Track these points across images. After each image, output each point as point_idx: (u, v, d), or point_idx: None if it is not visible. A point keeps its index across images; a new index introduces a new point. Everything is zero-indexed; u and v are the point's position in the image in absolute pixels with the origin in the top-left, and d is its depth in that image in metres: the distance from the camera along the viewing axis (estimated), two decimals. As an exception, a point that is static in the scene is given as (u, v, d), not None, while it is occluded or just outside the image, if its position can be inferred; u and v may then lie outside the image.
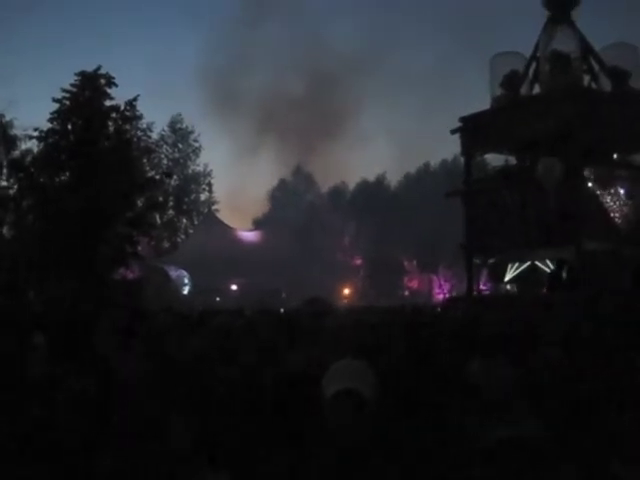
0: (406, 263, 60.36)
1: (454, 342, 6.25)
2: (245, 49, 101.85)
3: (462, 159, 21.26)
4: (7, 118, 28.58)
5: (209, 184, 63.84)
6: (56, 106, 26.04)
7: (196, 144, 63.46)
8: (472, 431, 3.19)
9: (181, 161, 62.69)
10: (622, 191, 17.43)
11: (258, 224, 68.29)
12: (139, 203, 27.92)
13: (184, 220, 62.08)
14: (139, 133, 29.58)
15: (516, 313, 9.84)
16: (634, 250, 16.49)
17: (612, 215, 17.19)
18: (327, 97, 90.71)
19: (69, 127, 26.08)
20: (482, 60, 21.78)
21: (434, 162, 65.22)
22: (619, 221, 17.23)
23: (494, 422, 3.11)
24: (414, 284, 60.90)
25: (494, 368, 3.87)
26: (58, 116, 25.99)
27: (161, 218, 50.28)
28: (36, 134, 25.84)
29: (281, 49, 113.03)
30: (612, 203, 17.24)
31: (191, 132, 63.21)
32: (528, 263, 19.26)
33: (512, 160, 22.71)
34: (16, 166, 26.75)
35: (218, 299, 46.01)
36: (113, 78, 26.29)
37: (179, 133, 62.97)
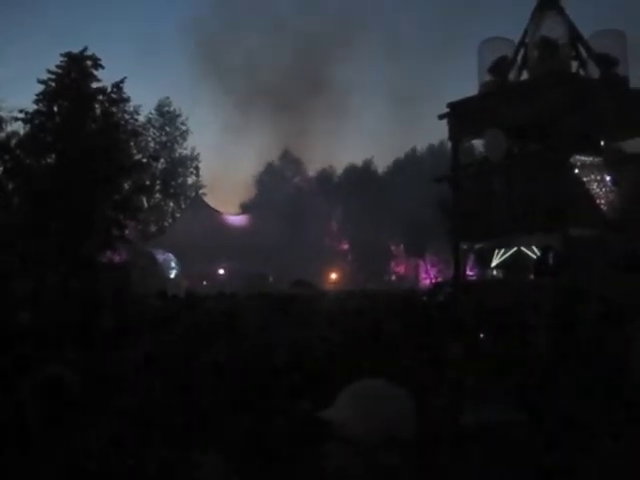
0: (393, 248, 60.50)
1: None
2: (230, 29, 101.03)
3: (449, 144, 21.28)
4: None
5: (196, 168, 63.61)
6: (42, 87, 25.85)
7: (183, 127, 63.17)
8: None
9: (168, 144, 62.34)
10: (608, 178, 17.53)
11: (245, 208, 68.15)
12: (126, 186, 27.81)
13: (171, 204, 61.84)
14: (126, 116, 29.42)
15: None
16: (619, 237, 16.62)
17: (598, 202, 17.29)
18: (315, 81, 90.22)
19: (55, 109, 25.90)
20: (471, 45, 21.79)
21: (421, 147, 65.29)
22: (605, 208, 17.34)
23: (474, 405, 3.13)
24: (401, 269, 61.09)
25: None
26: (44, 97, 25.80)
27: (148, 202, 50.05)
28: (22, 116, 25.66)
29: (267, 30, 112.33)
30: (598, 190, 17.34)
31: (178, 115, 62.89)
32: (515, 249, 19.36)
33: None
34: (1, 148, 26.54)
35: (205, 283, 46.04)
36: (99, 60, 26.10)
37: (166, 116, 62.58)
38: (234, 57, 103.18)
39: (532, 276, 18.10)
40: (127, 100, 27.76)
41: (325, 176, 67.74)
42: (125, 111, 29.21)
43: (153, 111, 61.09)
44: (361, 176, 63.46)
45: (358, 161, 66.83)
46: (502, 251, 19.73)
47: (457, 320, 7.24)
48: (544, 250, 17.40)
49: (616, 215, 17.20)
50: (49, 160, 25.84)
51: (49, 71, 25.82)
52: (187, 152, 63.28)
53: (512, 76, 19.21)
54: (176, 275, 49.20)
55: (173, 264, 49.83)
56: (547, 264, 16.83)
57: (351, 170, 66.01)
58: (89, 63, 26.02)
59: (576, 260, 15.81)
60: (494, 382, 3.72)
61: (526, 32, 19.15)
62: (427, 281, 50.33)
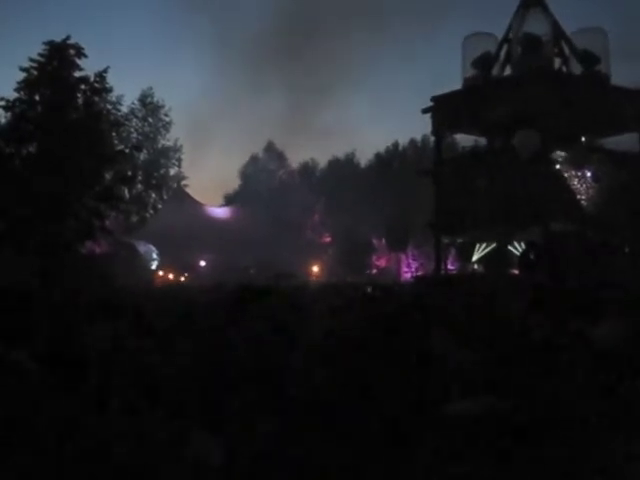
0: (375, 241, 60.58)
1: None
2: (215, 19, 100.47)
3: (432, 139, 21.39)
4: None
5: (179, 159, 63.20)
6: (24, 75, 25.60)
7: (167, 118, 62.68)
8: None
9: (151, 135, 61.87)
10: (589, 174, 17.71)
11: (228, 200, 67.96)
12: (107, 177, 27.63)
13: (153, 195, 61.43)
14: (108, 106, 29.21)
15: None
16: (598, 231, 16.81)
17: (578, 197, 17.47)
18: (300, 71, 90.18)
19: (37, 97, 25.65)
20: (455, 40, 21.85)
21: (403, 141, 65.32)
22: (585, 203, 17.51)
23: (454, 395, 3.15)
24: (382, 262, 61.17)
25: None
26: (25, 86, 25.53)
27: (130, 192, 49.68)
28: (2, 104, 25.39)
29: (252, 21, 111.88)
30: (579, 185, 17.51)
31: (161, 106, 62.38)
32: (495, 243, 19.50)
33: (482, 141, 22.89)
34: (-19, 137, 26.20)
35: (186, 274, 45.99)
36: (82, 49, 25.83)
37: (149, 107, 62.07)
38: (221, 44, 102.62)
39: (516, 270, 18.26)
40: (110, 90, 27.55)
41: (308, 169, 67.68)
42: (108, 101, 29.02)
43: (136, 101, 60.63)
44: (344, 170, 63.45)
45: (341, 154, 66.88)
46: (483, 245, 19.86)
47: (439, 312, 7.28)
48: (528, 245, 17.57)
49: (596, 210, 17.39)
50: (30, 149, 25.59)
51: (31, 59, 25.56)
52: (170, 143, 62.91)
53: (495, 71, 19.33)
54: (157, 266, 49.05)
55: (154, 255, 49.67)
56: (530, 259, 16.99)
57: (334, 163, 66.00)
58: (72, 52, 25.76)
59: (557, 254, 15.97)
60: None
61: (510, 28, 19.27)
62: (408, 275, 50.45)
